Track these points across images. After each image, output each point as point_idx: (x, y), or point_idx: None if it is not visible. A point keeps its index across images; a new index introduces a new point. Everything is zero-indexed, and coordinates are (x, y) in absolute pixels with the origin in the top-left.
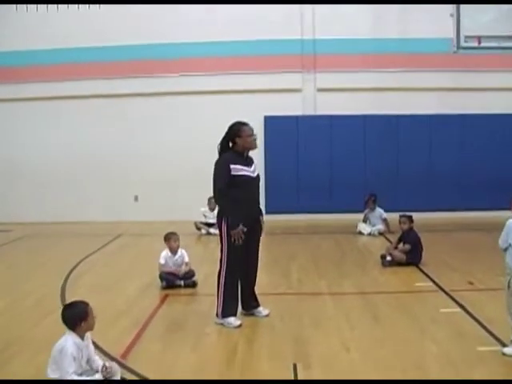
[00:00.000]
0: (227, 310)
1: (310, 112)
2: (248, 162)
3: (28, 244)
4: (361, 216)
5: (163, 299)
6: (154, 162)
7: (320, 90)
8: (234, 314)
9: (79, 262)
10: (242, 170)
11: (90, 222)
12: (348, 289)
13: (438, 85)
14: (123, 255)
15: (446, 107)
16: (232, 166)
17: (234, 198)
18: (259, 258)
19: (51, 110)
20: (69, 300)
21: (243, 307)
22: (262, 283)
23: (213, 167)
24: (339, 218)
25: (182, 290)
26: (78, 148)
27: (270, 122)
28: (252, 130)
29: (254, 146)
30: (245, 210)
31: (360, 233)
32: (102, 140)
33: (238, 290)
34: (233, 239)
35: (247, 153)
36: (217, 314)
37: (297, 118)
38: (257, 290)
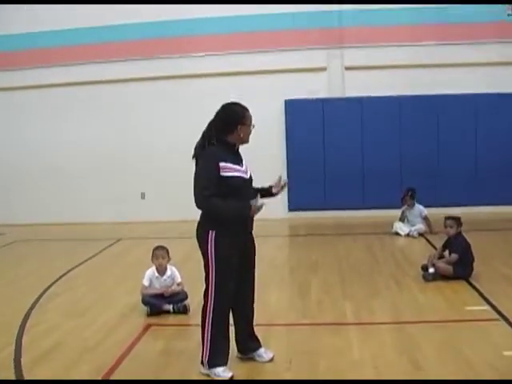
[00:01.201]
0: (215, 358)
1: (336, 94)
2: (240, 158)
3: (16, 251)
4: (397, 213)
5: (144, 331)
6: (163, 154)
7: (348, 68)
8: (224, 363)
9: (61, 276)
10: (235, 169)
11: (91, 224)
12: (379, 315)
13: (485, 59)
14: (114, 267)
15: (496, 85)
16: (222, 165)
17: None
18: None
19: (44, 102)
20: (28, 330)
21: (239, 350)
22: (271, 307)
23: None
24: (372, 215)
25: (171, 318)
26: (77, 142)
27: (292, 106)
28: (251, 118)
29: (248, 140)
30: (238, 226)
31: (397, 233)
32: (103, 132)
33: (229, 329)
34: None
35: (238, 146)
36: (202, 362)
37: (322, 101)
38: (261, 320)
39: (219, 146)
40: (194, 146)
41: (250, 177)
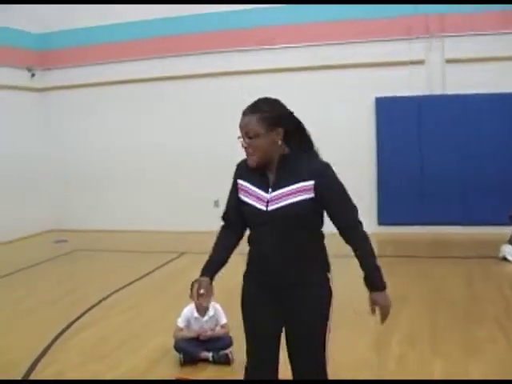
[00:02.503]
0: None
1: (436, 91)
2: (269, 179)
3: (71, 262)
4: (506, 231)
5: None
6: (239, 157)
7: (450, 61)
8: None
9: (105, 298)
10: (249, 193)
11: (158, 232)
12: None
13: None
14: (166, 289)
15: None
16: (240, 183)
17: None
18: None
19: (106, 99)
20: (36, 374)
21: None
22: (336, 360)
23: None
24: (475, 232)
25: (209, 368)
26: (144, 143)
27: (384, 105)
28: (241, 126)
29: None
30: (256, 274)
31: (504, 259)
32: (173, 132)
33: None
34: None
35: (291, 156)
36: None
37: (419, 99)
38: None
39: None
40: None
41: (278, 211)
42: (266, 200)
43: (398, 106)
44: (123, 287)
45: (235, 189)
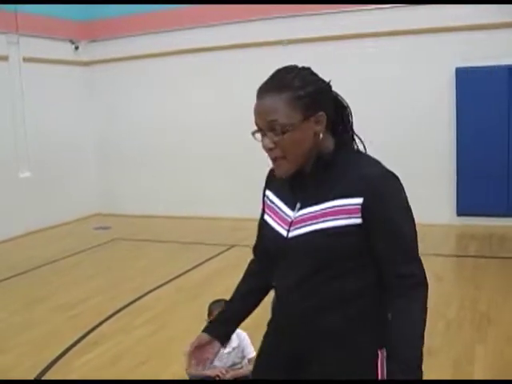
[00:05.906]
0: None
1: None
2: (297, 192)
3: (107, 254)
4: None
5: None
6: None
7: None
8: None
9: (131, 303)
10: (273, 212)
11: (212, 219)
12: None
13: None
14: (197, 296)
15: None
16: (268, 196)
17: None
18: None
19: (156, 72)
20: None
21: None
22: None
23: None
24: None
25: None
26: (195, 121)
27: (465, 76)
28: (260, 113)
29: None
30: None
31: None
32: (228, 108)
33: None
34: None
35: (334, 157)
36: None
37: (509, 69)
38: None
39: None
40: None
41: (299, 240)
42: (289, 221)
43: (482, 78)
44: (157, 287)
45: (263, 206)
